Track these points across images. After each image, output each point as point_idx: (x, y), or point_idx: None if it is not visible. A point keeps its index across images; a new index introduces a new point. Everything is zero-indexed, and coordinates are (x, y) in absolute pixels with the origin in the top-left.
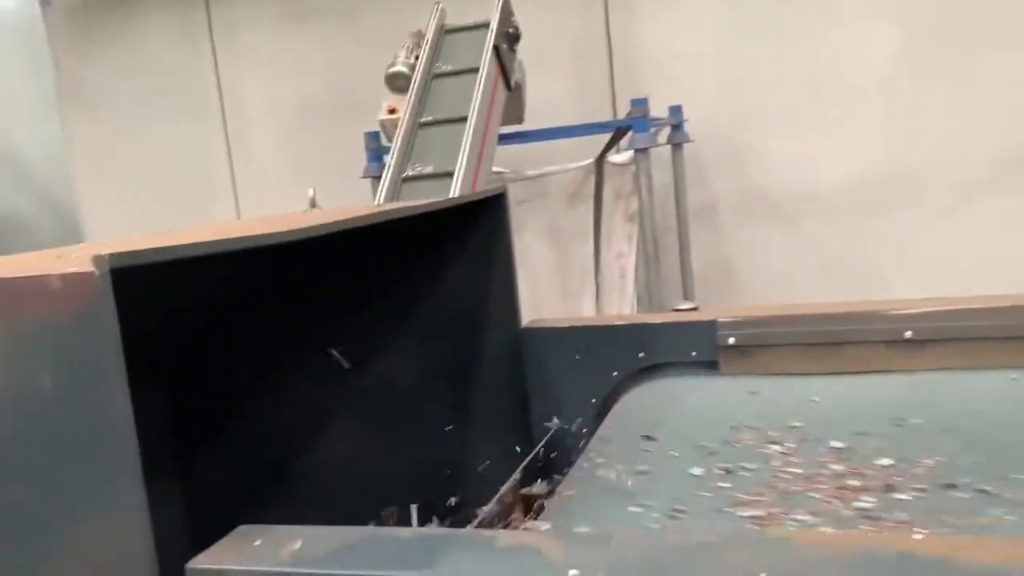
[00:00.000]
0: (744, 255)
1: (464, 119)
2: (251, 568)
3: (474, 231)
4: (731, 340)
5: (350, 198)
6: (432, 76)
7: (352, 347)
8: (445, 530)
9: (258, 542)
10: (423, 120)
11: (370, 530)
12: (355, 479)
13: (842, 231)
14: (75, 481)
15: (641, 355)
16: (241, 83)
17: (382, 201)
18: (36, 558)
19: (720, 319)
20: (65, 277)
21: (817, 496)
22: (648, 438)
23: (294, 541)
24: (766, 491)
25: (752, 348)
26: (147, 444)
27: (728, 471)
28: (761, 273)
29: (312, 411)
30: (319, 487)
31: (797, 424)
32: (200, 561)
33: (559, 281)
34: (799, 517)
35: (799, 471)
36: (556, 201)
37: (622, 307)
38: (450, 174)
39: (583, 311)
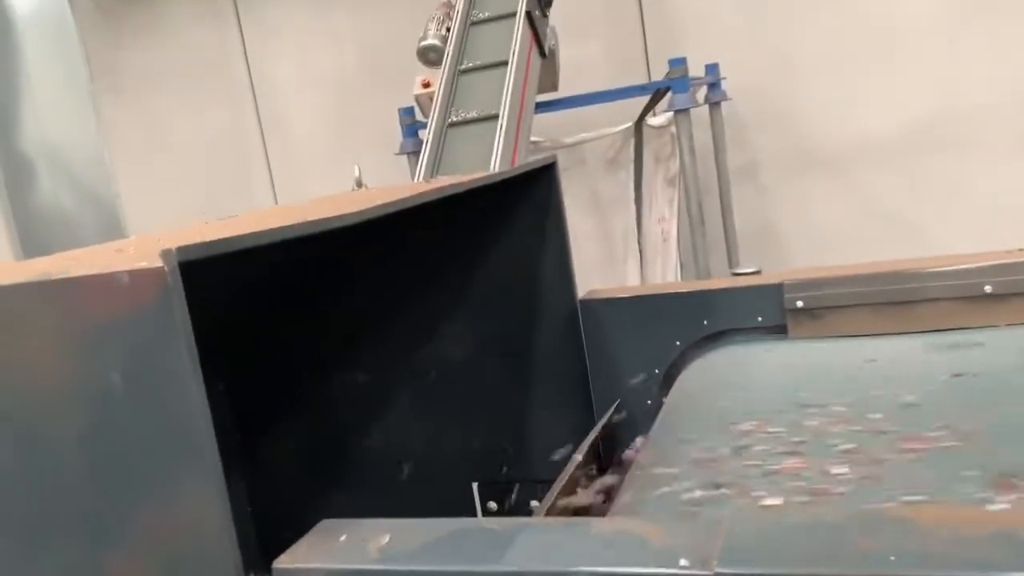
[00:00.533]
0: (788, 212)
1: (504, 63)
2: (342, 567)
3: (525, 204)
4: (799, 303)
5: (386, 175)
6: (469, 24)
7: (408, 326)
8: (535, 520)
9: (343, 538)
10: (463, 67)
11: (460, 522)
12: (413, 458)
13: (890, 181)
14: (152, 480)
15: (705, 322)
16: (270, 62)
17: (427, 153)
18: (116, 560)
19: (787, 281)
20: (134, 274)
21: (911, 465)
22: (718, 410)
23: (381, 536)
24: (850, 463)
25: (821, 310)
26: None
27: (806, 442)
28: (807, 230)
29: (369, 391)
30: (378, 468)
31: (877, 392)
32: (286, 560)
33: (602, 248)
34: (897, 493)
35: (886, 439)
36: (595, 168)
37: (666, 272)
38: (494, 116)
39: (627, 278)
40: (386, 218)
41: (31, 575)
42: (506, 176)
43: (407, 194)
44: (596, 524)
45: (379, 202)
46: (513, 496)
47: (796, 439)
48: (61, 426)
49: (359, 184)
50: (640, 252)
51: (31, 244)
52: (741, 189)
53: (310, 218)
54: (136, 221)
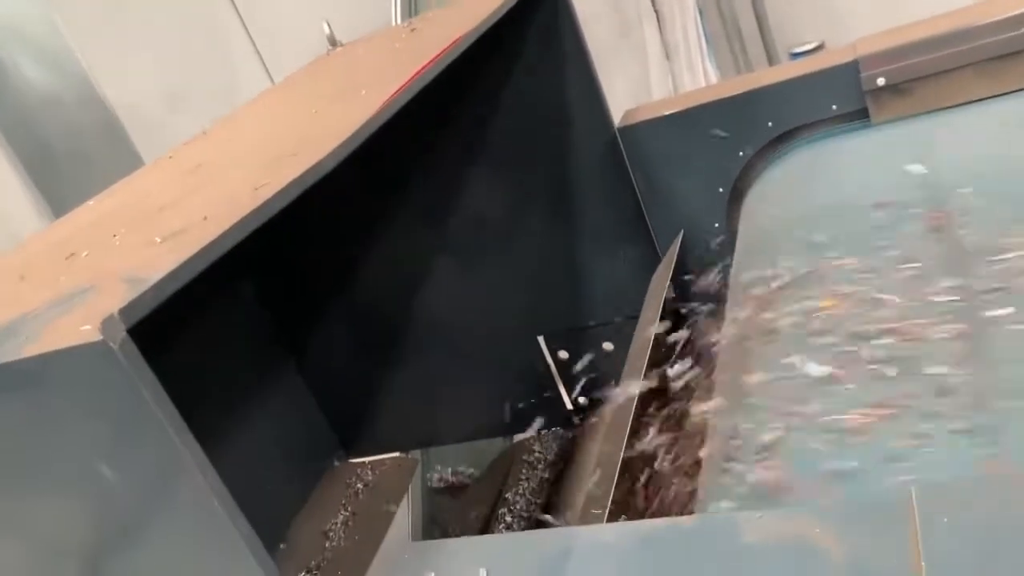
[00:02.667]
0: None
1: None
2: None
3: (532, 26)
4: (880, 81)
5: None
6: None
7: (437, 187)
8: (661, 523)
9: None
10: None
11: (572, 534)
12: (469, 320)
13: None
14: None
15: (769, 124)
16: None
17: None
18: None
19: (861, 55)
20: (74, 352)
21: None
22: (806, 237)
23: (477, 572)
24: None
25: (909, 84)
26: (250, 335)
27: (921, 276)
28: None
29: (410, 260)
30: (435, 334)
31: (1000, 182)
32: None
33: (612, 17)
34: None
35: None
36: None
37: (687, 29)
38: None
39: (647, 45)
40: None
41: None
42: (506, 8)
43: (393, 77)
44: (745, 524)
45: (365, 114)
46: (587, 351)
47: (908, 270)
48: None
49: (332, 43)
50: (656, 12)
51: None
52: None
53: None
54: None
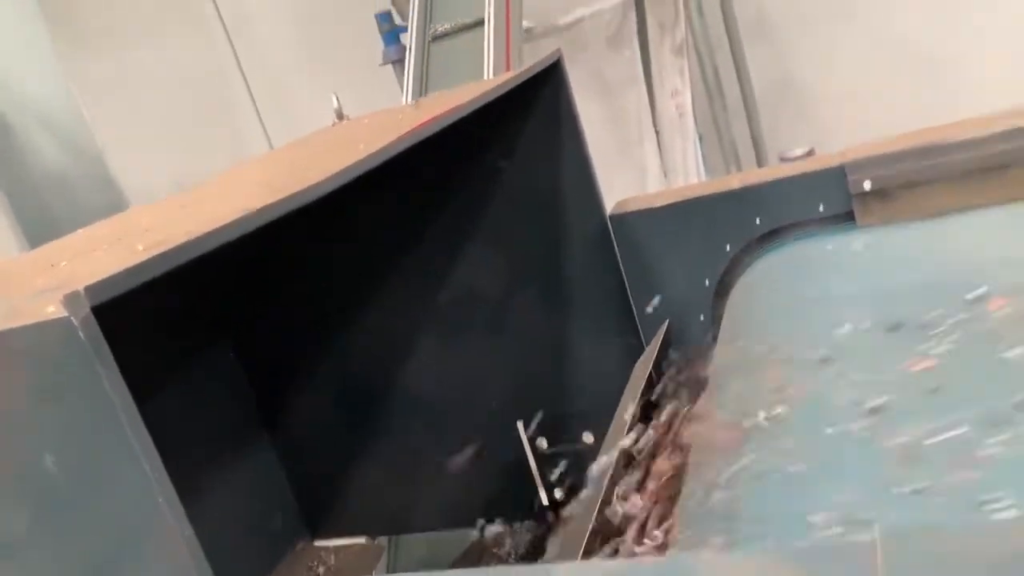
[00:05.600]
0: (807, 64)
1: None
2: None
3: (533, 111)
4: (867, 185)
5: (373, 89)
6: None
7: (427, 262)
8: (624, 562)
9: None
10: None
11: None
12: (450, 400)
13: (915, 21)
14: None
15: (757, 221)
16: None
17: (411, 73)
18: None
19: (849, 161)
20: (36, 329)
21: None
22: (787, 325)
23: None
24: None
25: (894, 190)
26: (224, 403)
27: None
28: (831, 83)
29: (393, 334)
30: (414, 413)
31: (981, 288)
32: None
33: (615, 133)
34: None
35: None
36: (597, 49)
37: (686, 150)
38: (480, 22)
39: (646, 161)
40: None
41: None
42: (505, 89)
43: (391, 136)
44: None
45: (356, 156)
46: (561, 437)
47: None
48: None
49: (339, 116)
50: (657, 133)
51: (27, 210)
52: (752, 47)
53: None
54: (126, 170)
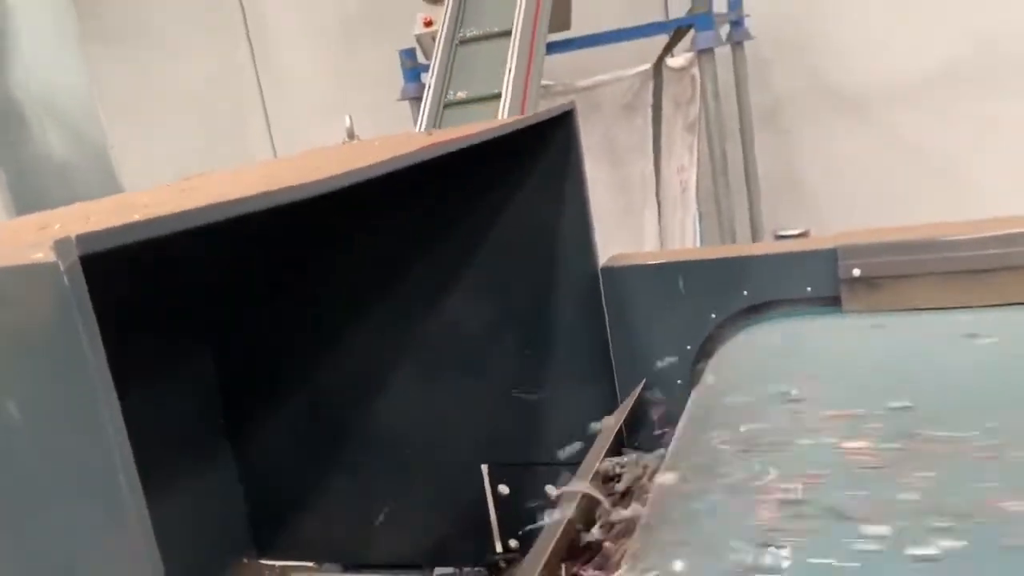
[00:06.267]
0: (813, 156)
1: (508, 33)
2: None
3: (540, 157)
4: (856, 271)
5: (389, 121)
6: None
7: (410, 294)
8: None
9: None
10: (463, 36)
11: None
12: (418, 436)
13: (920, 121)
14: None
15: (745, 292)
16: (264, 3)
17: (436, 72)
18: None
19: (841, 246)
20: (20, 271)
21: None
22: (767, 398)
23: None
24: (934, 477)
25: (882, 280)
26: (192, 407)
27: (878, 449)
28: (834, 176)
29: (370, 363)
30: (380, 445)
31: (954, 383)
32: None
33: (618, 198)
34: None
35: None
36: (610, 113)
37: (685, 224)
38: (496, 96)
39: (645, 228)
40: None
41: None
42: (517, 127)
43: (401, 151)
44: None
45: (364, 163)
46: (523, 484)
47: (864, 444)
48: None
49: (351, 136)
50: (658, 203)
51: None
52: (762, 133)
53: (276, 185)
54: (130, 170)
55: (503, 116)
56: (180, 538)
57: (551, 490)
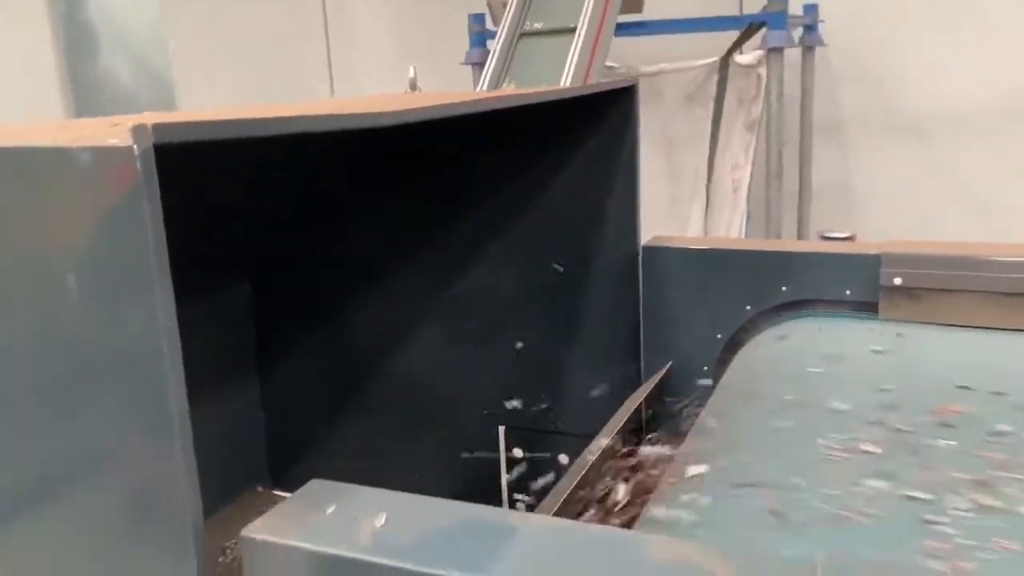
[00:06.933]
0: (866, 174)
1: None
2: (320, 549)
3: (597, 130)
4: (897, 280)
5: (448, 87)
6: None
7: (446, 252)
8: (571, 523)
9: (331, 509)
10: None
11: (480, 511)
12: (438, 391)
13: (976, 154)
14: (106, 416)
15: (783, 288)
16: None
17: (494, 61)
18: (63, 489)
19: (886, 253)
20: (97, 152)
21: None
22: (787, 396)
23: (376, 514)
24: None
25: (922, 291)
26: (227, 337)
27: (893, 452)
28: (886, 195)
29: (401, 314)
30: (401, 395)
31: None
32: (258, 530)
33: (668, 187)
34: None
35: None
36: (671, 102)
37: (732, 222)
38: (572, 30)
39: (691, 220)
40: (438, 128)
41: None
42: (577, 93)
43: (461, 100)
44: (653, 545)
45: (427, 104)
46: (538, 452)
47: (879, 446)
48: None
49: (413, 87)
50: (707, 198)
51: (89, 116)
52: (822, 144)
53: (347, 112)
54: (189, 105)
55: (575, 50)
56: (199, 460)
57: (563, 459)
